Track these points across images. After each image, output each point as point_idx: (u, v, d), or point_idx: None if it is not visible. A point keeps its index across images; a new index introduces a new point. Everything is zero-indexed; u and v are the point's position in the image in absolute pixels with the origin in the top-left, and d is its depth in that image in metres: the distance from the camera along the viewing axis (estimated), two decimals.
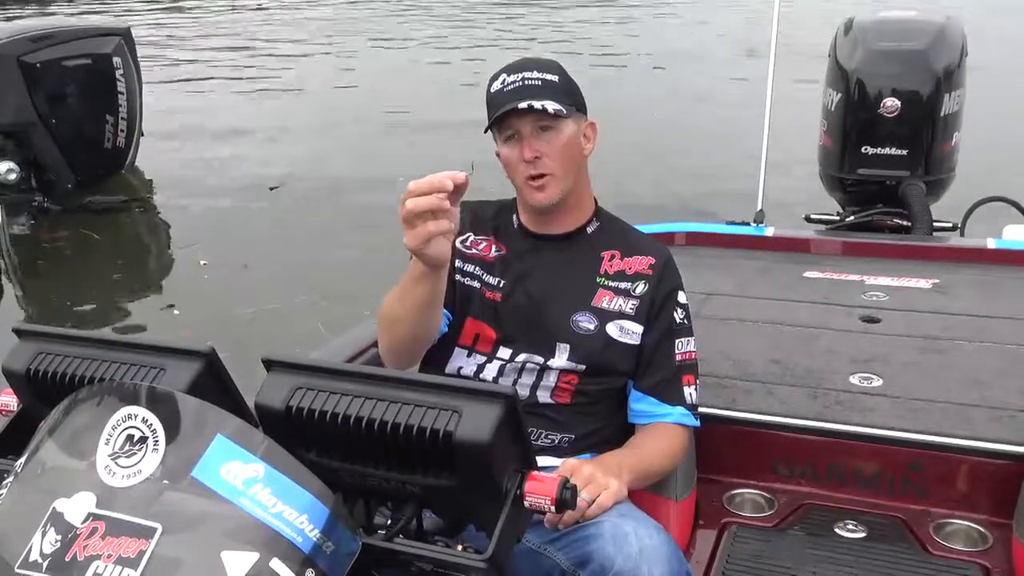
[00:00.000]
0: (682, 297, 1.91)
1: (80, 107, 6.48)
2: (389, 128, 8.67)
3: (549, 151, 1.77)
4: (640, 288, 1.86)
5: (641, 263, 1.88)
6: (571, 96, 1.82)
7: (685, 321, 1.90)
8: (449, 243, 1.53)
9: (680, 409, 1.85)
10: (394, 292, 1.73)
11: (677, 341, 1.88)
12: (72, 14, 14.97)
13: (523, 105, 1.73)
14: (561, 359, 1.81)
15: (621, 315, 1.84)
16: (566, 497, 1.15)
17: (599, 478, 1.59)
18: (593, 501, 1.56)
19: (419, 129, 8.51)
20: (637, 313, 1.85)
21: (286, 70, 11.61)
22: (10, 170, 6.20)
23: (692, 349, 1.90)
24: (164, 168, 7.45)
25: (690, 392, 1.87)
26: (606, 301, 1.84)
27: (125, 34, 6.84)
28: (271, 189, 7.00)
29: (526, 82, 1.77)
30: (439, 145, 7.81)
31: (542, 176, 1.78)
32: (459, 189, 1.46)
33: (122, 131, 6.71)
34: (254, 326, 4.73)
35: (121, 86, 6.64)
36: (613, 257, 1.88)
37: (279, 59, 12.39)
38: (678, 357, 1.87)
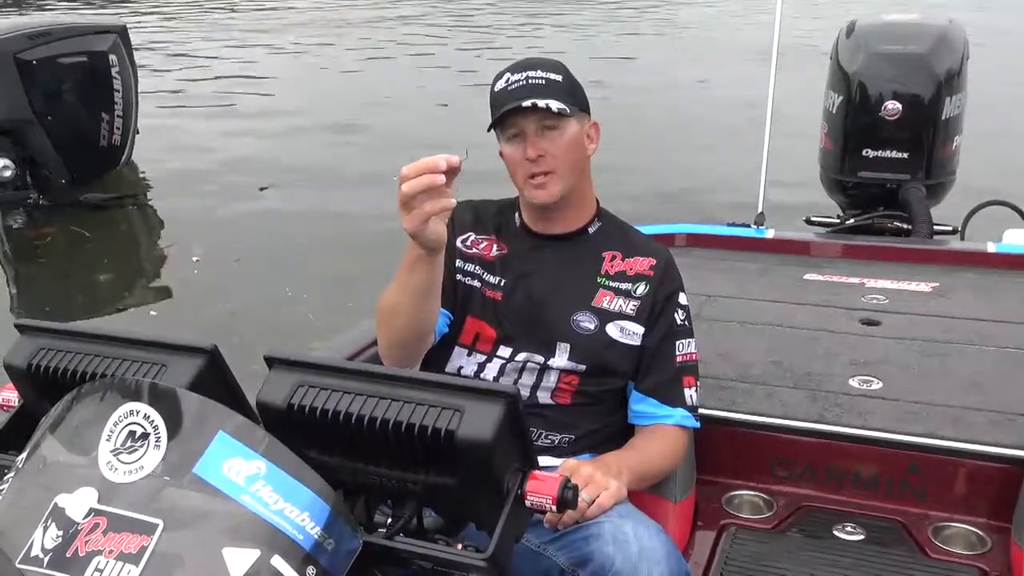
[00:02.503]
0: (683, 299, 1.91)
1: (76, 104, 6.46)
2: (382, 127, 8.67)
3: (552, 150, 1.77)
4: (641, 289, 1.86)
5: (642, 264, 1.88)
6: (574, 96, 1.82)
7: (686, 323, 1.90)
8: (444, 224, 1.53)
9: (681, 411, 1.85)
10: (390, 286, 1.73)
11: (678, 343, 1.88)
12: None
13: (527, 104, 1.73)
14: (561, 359, 1.81)
15: (622, 315, 1.84)
16: (567, 497, 1.14)
17: (599, 478, 1.59)
18: (593, 501, 1.56)
19: (413, 128, 8.52)
20: (638, 314, 1.85)
21: (281, 71, 11.60)
22: (5, 167, 6.19)
23: (693, 351, 1.90)
24: (158, 166, 7.44)
25: (690, 394, 1.87)
26: (606, 301, 1.84)
27: (121, 32, 6.82)
28: (261, 189, 7.01)
29: (530, 81, 1.77)
30: (433, 145, 7.80)
31: (544, 174, 1.78)
32: (452, 171, 1.46)
33: (117, 129, 6.69)
34: (242, 320, 4.75)
35: (117, 84, 6.62)
36: (614, 258, 1.88)
37: (275, 58, 12.38)
38: (679, 358, 1.87)
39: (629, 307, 1.84)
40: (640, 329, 1.84)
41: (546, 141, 1.77)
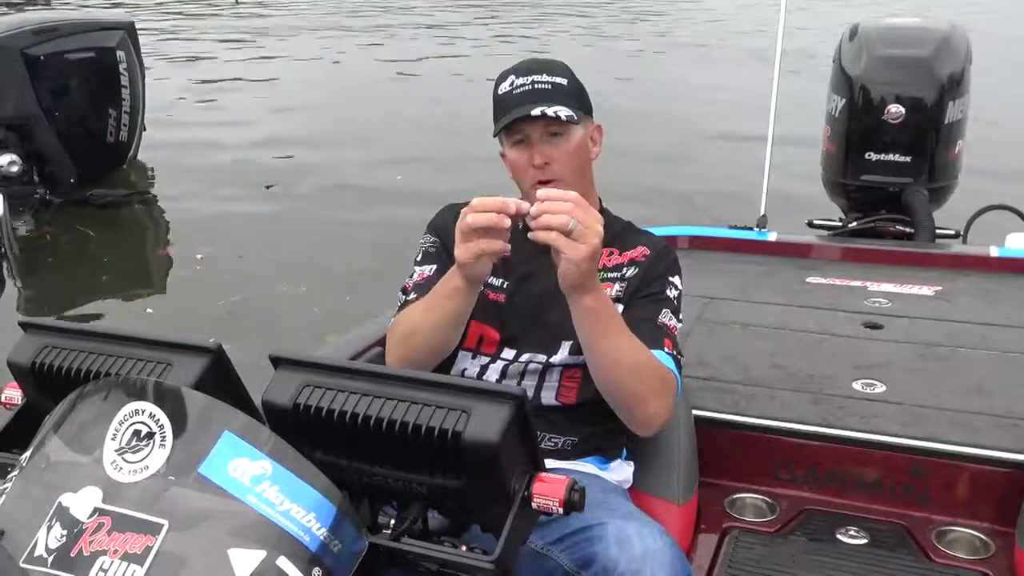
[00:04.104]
0: (677, 281, 1.85)
1: (83, 101, 6.46)
2: (386, 127, 8.68)
3: (559, 156, 1.77)
4: (631, 271, 1.84)
5: (637, 252, 1.86)
6: (580, 100, 1.81)
7: (675, 302, 1.83)
8: (492, 263, 1.58)
9: (661, 352, 1.72)
10: (417, 305, 1.74)
11: (663, 310, 1.79)
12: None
13: (536, 112, 1.73)
14: (562, 354, 1.80)
15: (614, 300, 1.81)
16: (574, 499, 1.14)
17: (582, 242, 1.50)
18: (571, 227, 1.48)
19: (415, 129, 8.53)
20: (624, 293, 1.82)
21: (288, 70, 11.61)
22: (12, 162, 6.17)
23: (674, 324, 1.80)
24: (164, 163, 7.46)
25: (672, 352, 1.75)
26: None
27: (129, 28, 6.82)
28: (267, 187, 7.02)
29: (536, 86, 1.76)
30: (434, 147, 7.84)
31: (550, 182, 1.77)
32: (516, 217, 1.51)
33: (124, 125, 6.70)
34: (246, 318, 4.76)
35: (124, 80, 6.62)
36: (612, 253, 1.87)
37: (282, 57, 12.39)
38: (660, 320, 1.78)
39: (617, 289, 1.82)
40: (620, 307, 1.78)
41: (552, 147, 1.77)
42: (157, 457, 1.10)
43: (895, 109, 3.82)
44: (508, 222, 1.51)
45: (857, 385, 2.45)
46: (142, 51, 6.99)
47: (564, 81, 1.80)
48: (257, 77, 11.08)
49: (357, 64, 11.97)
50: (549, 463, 1.67)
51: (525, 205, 1.54)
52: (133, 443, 1.12)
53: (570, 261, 1.52)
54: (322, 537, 1.08)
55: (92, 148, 6.57)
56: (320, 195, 6.84)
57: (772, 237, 3.64)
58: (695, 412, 2.21)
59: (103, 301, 5.21)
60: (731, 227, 3.78)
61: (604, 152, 1.90)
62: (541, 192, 1.55)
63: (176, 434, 1.11)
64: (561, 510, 1.14)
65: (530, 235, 1.53)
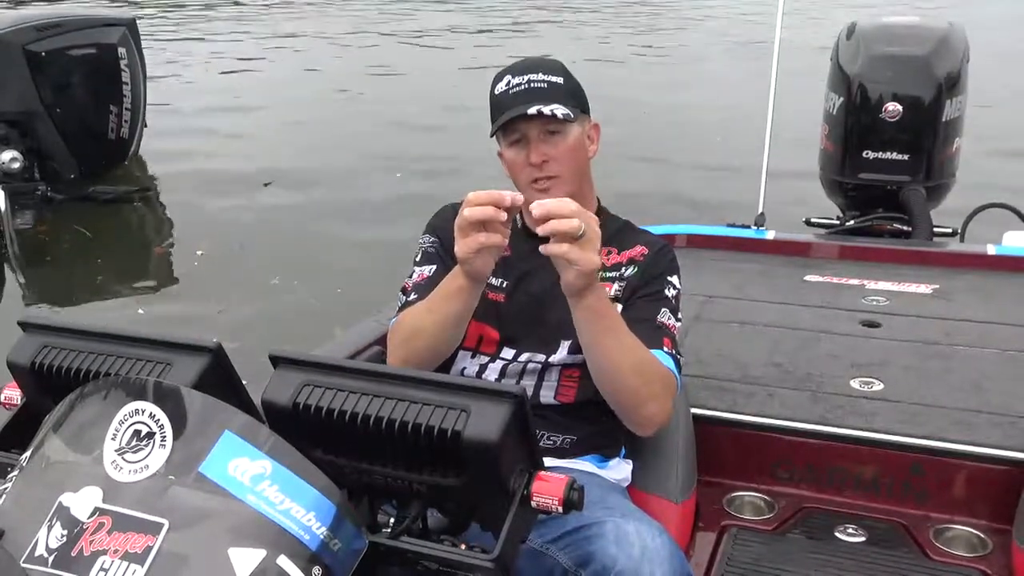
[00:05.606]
0: (676, 280, 1.85)
1: (84, 97, 6.48)
2: (387, 126, 8.68)
3: (556, 155, 1.77)
4: (630, 271, 1.84)
5: (636, 251, 1.86)
6: (576, 98, 1.81)
7: (674, 301, 1.83)
8: (493, 259, 1.59)
9: (661, 352, 1.72)
10: (418, 306, 1.74)
11: (662, 309, 1.79)
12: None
13: (532, 111, 1.73)
14: (562, 353, 1.80)
15: (612, 299, 1.81)
16: (573, 498, 1.14)
17: (591, 249, 1.51)
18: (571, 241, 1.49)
19: (416, 130, 8.53)
20: (623, 294, 1.82)
21: (288, 67, 11.60)
22: (14, 159, 6.16)
23: (673, 323, 1.80)
24: (165, 160, 7.46)
25: (671, 351, 1.75)
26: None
27: (130, 24, 6.84)
28: (265, 185, 7.03)
29: (532, 85, 1.76)
30: (434, 146, 7.84)
31: (548, 179, 1.77)
32: (512, 209, 1.52)
33: (126, 122, 6.71)
34: (245, 316, 4.77)
35: (125, 76, 6.64)
36: (610, 252, 1.86)
37: (284, 54, 12.38)
38: (659, 319, 1.77)
39: (615, 289, 1.81)
40: (619, 307, 1.78)
41: (549, 146, 1.77)
42: (157, 457, 1.10)
43: (893, 107, 3.83)
44: (504, 215, 1.52)
45: (855, 383, 2.45)
46: (143, 47, 7.00)
47: (560, 80, 1.80)
48: (257, 74, 11.08)
49: (360, 63, 11.95)
50: (548, 462, 1.67)
51: (520, 197, 1.54)
52: (133, 443, 1.12)
53: (581, 272, 1.53)
54: (322, 536, 1.08)
55: (93, 145, 6.59)
56: (319, 192, 6.84)
57: (770, 235, 3.65)
58: (693, 411, 2.22)
59: (102, 298, 5.23)
60: (729, 225, 3.79)
61: (601, 149, 1.90)
62: (538, 203, 1.53)
63: (176, 434, 1.11)
64: (560, 509, 1.14)
65: (542, 248, 1.53)
